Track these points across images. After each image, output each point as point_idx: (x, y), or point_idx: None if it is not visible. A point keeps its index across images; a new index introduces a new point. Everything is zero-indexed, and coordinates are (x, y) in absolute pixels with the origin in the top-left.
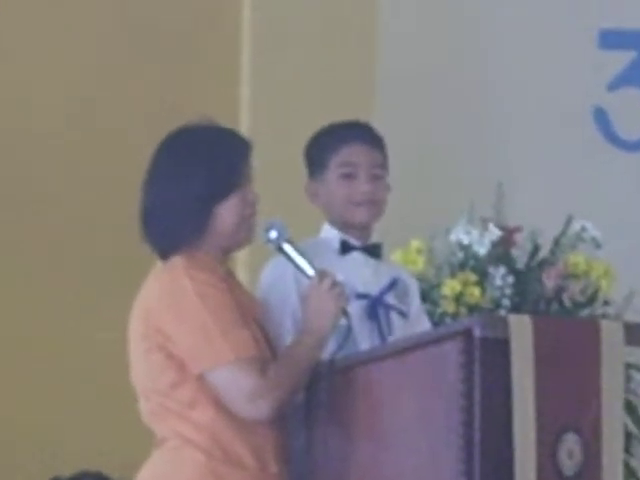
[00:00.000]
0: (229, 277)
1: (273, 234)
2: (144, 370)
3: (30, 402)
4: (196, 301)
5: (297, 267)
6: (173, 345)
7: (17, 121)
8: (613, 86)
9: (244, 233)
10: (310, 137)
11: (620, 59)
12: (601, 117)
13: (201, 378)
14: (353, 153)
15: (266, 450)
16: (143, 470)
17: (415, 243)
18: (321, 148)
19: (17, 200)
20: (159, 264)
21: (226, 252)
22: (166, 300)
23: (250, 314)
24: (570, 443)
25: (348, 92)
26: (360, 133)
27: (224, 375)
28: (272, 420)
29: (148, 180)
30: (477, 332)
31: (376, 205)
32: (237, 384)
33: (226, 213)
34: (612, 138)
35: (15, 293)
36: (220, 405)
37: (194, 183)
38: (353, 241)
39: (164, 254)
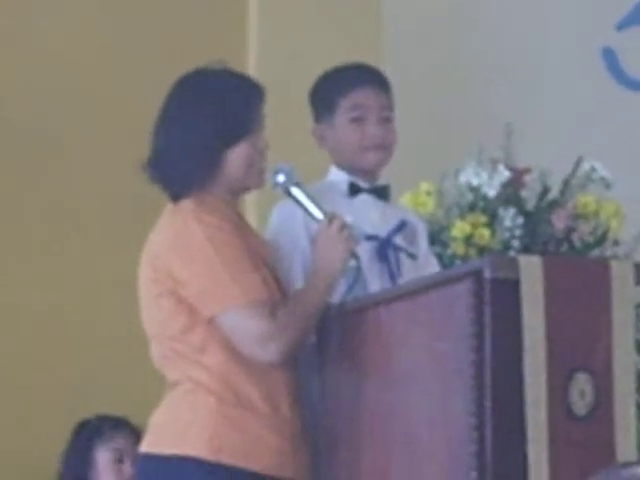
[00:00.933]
0: (239, 220)
1: (281, 178)
2: (155, 315)
3: (56, 347)
4: (205, 245)
5: (306, 210)
6: (183, 289)
7: (23, 79)
8: (621, 26)
9: (253, 178)
10: (316, 79)
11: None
12: (610, 57)
13: (211, 322)
14: (363, 96)
15: (278, 393)
16: (156, 414)
17: (424, 185)
18: (329, 91)
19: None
20: (169, 206)
21: (235, 195)
22: (175, 244)
23: (260, 257)
24: (581, 383)
25: (356, 33)
26: (369, 76)
27: (234, 318)
28: (283, 363)
29: (160, 122)
30: (487, 273)
31: (386, 149)
32: (247, 327)
33: (236, 158)
34: (621, 78)
35: (27, 241)
36: (231, 349)
37: (205, 127)
38: (361, 183)
39: (175, 196)
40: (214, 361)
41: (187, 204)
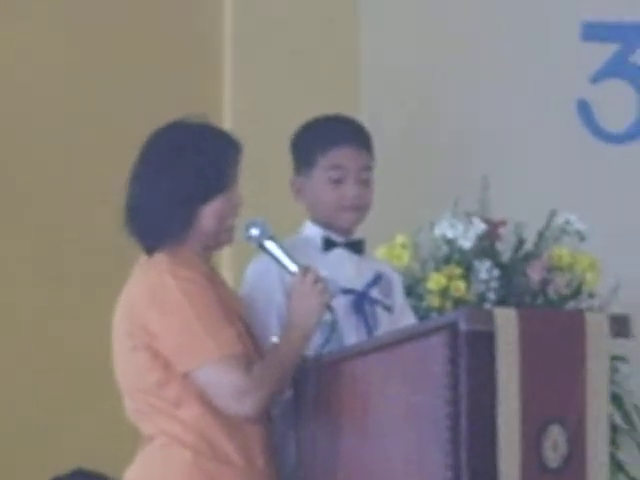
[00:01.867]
0: (212, 274)
1: (255, 231)
2: (129, 368)
3: (30, 401)
4: (180, 299)
5: (279, 264)
6: (158, 343)
7: (13, 113)
8: (596, 78)
9: (226, 234)
10: (298, 130)
11: (603, 51)
12: (585, 109)
13: (187, 376)
14: (342, 156)
15: (253, 446)
16: (131, 469)
17: (400, 238)
18: (309, 146)
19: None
20: (143, 259)
21: (208, 249)
22: (150, 298)
23: (234, 311)
24: (555, 435)
25: (332, 83)
26: (350, 134)
27: (210, 373)
28: (258, 416)
29: (135, 174)
30: (463, 326)
31: (362, 210)
32: (223, 382)
33: (211, 214)
34: (596, 130)
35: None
36: (206, 402)
37: (181, 182)
38: (335, 238)
39: (149, 249)
40: (190, 415)
41: (161, 258)
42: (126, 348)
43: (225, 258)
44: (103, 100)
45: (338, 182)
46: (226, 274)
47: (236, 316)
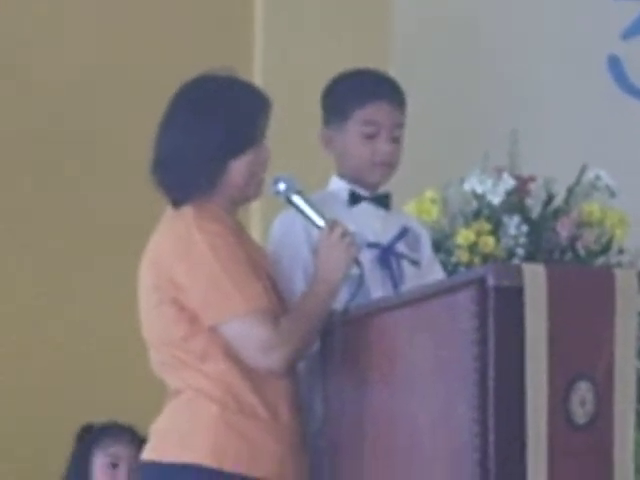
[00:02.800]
0: (239, 228)
1: (282, 186)
2: (156, 322)
3: (62, 353)
4: (207, 253)
5: (307, 218)
6: (185, 297)
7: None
8: (627, 35)
9: (254, 188)
10: (332, 82)
11: (634, 8)
12: (615, 66)
13: (213, 330)
14: (378, 112)
15: (278, 400)
16: (157, 421)
17: (429, 193)
18: (344, 98)
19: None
20: (169, 212)
21: (235, 204)
22: (177, 252)
23: (260, 266)
24: (582, 391)
25: (363, 35)
26: (387, 90)
27: (237, 327)
28: (286, 371)
29: (164, 127)
30: (491, 281)
31: (392, 167)
32: (250, 336)
33: (240, 168)
34: (626, 87)
35: (27, 244)
36: (232, 356)
37: (212, 136)
38: (362, 192)
39: (176, 202)
40: (215, 369)
41: (189, 211)
42: (152, 301)
43: (253, 213)
44: (133, 51)
45: (371, 137)
46: (254, 229)
47: (263, 271)
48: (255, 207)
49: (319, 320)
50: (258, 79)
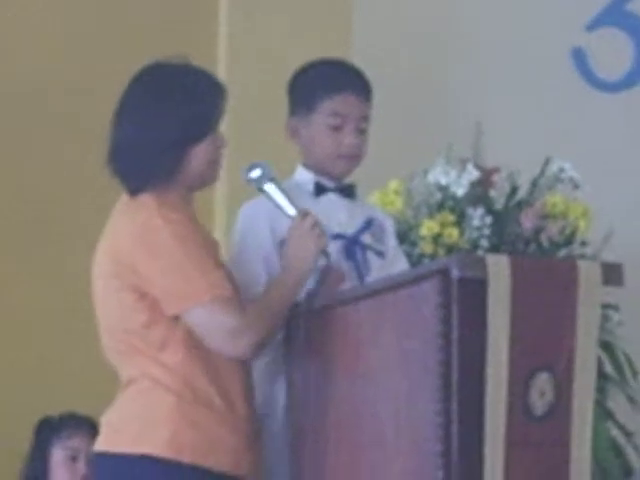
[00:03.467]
0: (194, 217)
1: (256, 173)
2: (114, 309)
3: (20, 342)
4: (171, 241)
5: (278, 206)
6: (149, 285)
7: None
8: (592, 26)
9: (212, 175)
10: (298, 71)
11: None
12: (580, 57)
13: (175, 319)
14: (344, 103)
15: (233, 391)
16: (111, 411)
17: (393, 184)
18: (310, 89)
19: None
20: (124, 199)
21: (191, 191)
22: (140, 240)
23: (216, 254)
24: (542, 382)
25: (327, 28)
26: (354, 82)
27: (204, 314)
28: (252, 357)
29: (121, 114)
30: (455, 272)
31: (357, 159)
32: (217, 323)
33: (199, 155)
34: (591, 79)
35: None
36: (190, 346)
37: (171, 124)
38: (327, 183)
39: (134, 191)
40: (173, 359)
41: (150, 199)
42: (111, 288)
43: (217, 202)
44: (98, 39)
45: (337, 129)
46: (218, 218)
47: (218, 259)
48: (219, 196)
49: (285, 309)
50: (222, 68)
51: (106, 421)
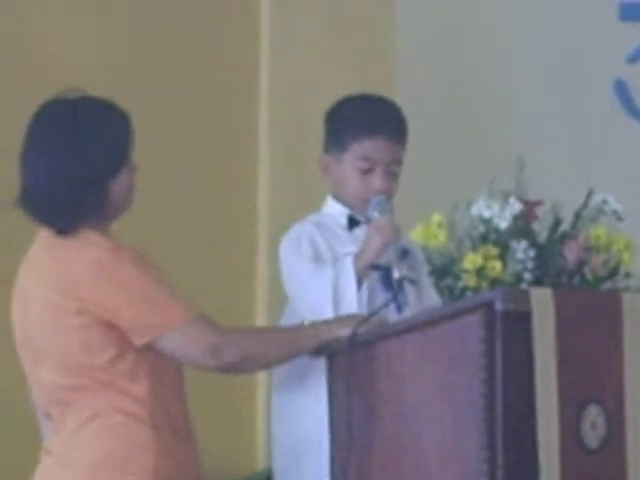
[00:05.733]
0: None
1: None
2: (76, 345)
3: None
4: (133, 272)
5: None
6: (117, 318)
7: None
8: (633, 58)
9: (129, 201)
10: (333, 107)
11: None
12: (622, 89)
13: (143, 350)
14: (375, 148)
15: (189, 417)
16: (85, 450)
17: (436, 217)
18: (343, 129)
19: None
20: (48, 236)
21: (112, 221)
22: (100, 275)
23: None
24: (593, 415)
25: (369, 61)
26: (387, 125)
27: (181, 336)
28: (238, 367)
29: (29, 156)
30: (499, 305)
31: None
32: (197, 341)
33: (120, 187)
34: (633, 110)
35: None
36: (158, 376)
37: (88, 164)
38: (359, 216)
39: (63, 231)
40: (143, 390)
41: (94, 236)
42: (69, 326)
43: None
44: (136, 61)
45: (366, 172)
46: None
47: None
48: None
49: (285, 349)
50: (264, 99)
51: (73, 459)
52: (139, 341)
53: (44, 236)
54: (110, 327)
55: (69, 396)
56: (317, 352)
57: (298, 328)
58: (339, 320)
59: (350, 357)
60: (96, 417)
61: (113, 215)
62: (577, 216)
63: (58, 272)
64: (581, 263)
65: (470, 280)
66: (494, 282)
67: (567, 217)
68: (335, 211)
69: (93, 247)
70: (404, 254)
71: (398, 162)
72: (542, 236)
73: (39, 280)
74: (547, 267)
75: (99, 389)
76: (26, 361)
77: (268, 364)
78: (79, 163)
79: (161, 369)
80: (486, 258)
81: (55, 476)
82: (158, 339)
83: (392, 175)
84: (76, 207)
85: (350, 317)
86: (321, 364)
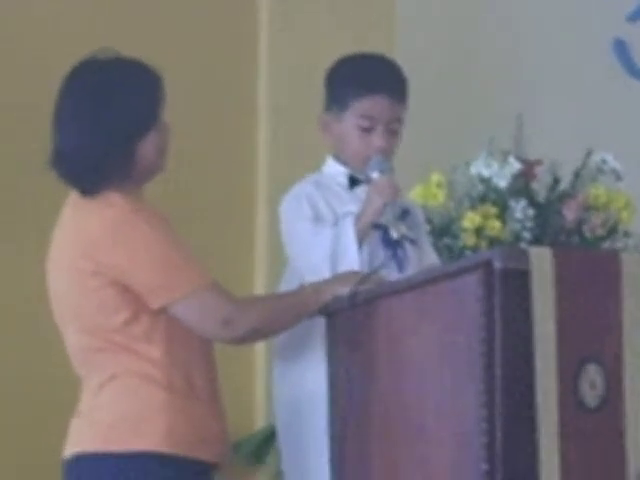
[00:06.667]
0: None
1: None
2: (93, 307)
3: None
4: (151, 235)
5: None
6: (132, 280)
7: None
8: (633, 17)
9: (161, 164)
10: (334, 66)
11: None
12: (621, 48)
13: (158, 312)
14: (376, 106)
15: (214, 381)
16: (98, 409)
17: (435, 177)
18: (343, 87)
19: None
20: (77, 197)
21: (143, 183)
22: (117, 236)
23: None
24: (592, 374)
25: (369, 23)
26: (387, 83)
27: (194, 303)
28: (248, 340)
29: (60, 117)
30: (497, 264)
31: (386, 158)
32: (209, 309)
33: (147, 148)
34: (632, 69)
35: None
36: (173, 339)
37: (115, 122)
38: (359, 175)
39: (89, 191)
40: (158, 352)
41: (114, 196)
42: (89, 288)
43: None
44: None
45: (367, 130)
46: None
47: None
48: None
49: (291, 311)
50: (264, 58)
51: (94, 420)
52: (154, 304)
53: (72, 198)
54: (125, 289)
55: (91, 358)
56: (318, 311)
57: (300, 292)
58: (339, 278)
59: (349, 316)
60: (113, 379)
61: (142, 178)
62: (576, 175)
63: (78, 233)
64: (580, 222)
65: (469, 239)
66: (493, 241)
67: (566, 176)
68: (335, 171)
69: (112, 208)
70: (404, 214)
71: (399, 120)
72: (541, 195)
73: (64, 242)
74: (546, 226)
75: (117, 351)
76: (60, 324)
77: (275, 333)
78: (105, 123)
79: (179, 332)
80: (485, 217)
81: (79, 436)
82: (173, 303)
83: (392, 133)
84: (100, 167)
85: (349, 274)
86: (320, 325)
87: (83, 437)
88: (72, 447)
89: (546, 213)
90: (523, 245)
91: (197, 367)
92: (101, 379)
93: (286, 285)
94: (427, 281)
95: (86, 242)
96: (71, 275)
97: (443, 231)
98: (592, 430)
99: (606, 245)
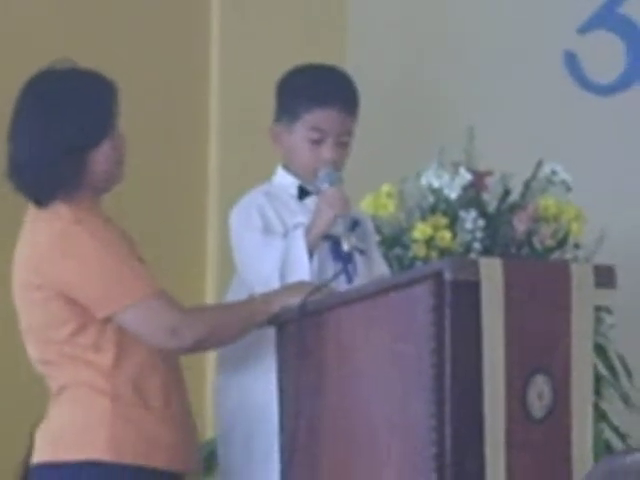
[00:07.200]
0: (108, 218)
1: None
2: (40, 320)
3: None
4: (94, 244)
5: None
6: (77, 291)
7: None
8: (583, 29)
9: (117, 175)
10: (285, 76)
11: (590, 2)
12: (571, 61)
13: (105, 322)
14: (326, 119)
15: (169, 388)
16: (47, 421)
17: (385, 187)
18: (293, 99)
19: None
20: (34, 210)
21: (99, 194)
22: (61, 248)
23: (138, 252)
24: (540, 385)
25: (320, 32)
26: (338, 96)
27: (139, 312)
28: (196, 349)
29: (15, 127)
30: (448, 275)
31: (335, 170)
32: (154, 318)
33: (100, 159)
34: (583, 82)
35: None
36: (122, 347)
37: (67, 131)
38: (309, 186)
39: (41, 202)
40: (106, 361)
41: (62, 207)
42: (34, 301)
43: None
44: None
45: (316, 142)
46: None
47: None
48: (212, 199)
49: (240, 319)
50: (215, 69)
51: (44, 432)
52: (99, 314)
53: (30, 210)
54: (70, 301)
55: (47, 370)
56: (267, 322)
57: (250, 302)
58: (288, 288)
59: (299, 326)
60: (64, 390)
61: (97, 188)
62: (526, 186)
63: (27, 246)
64: (530, 233)
65: (419, 250)
66: (443, 252)
67: (516, 187)
68: (285, 181)
69: (59, 220)
70: (354, 224)
71: (349, 133)
72: (491, 206)
73: (22, 255)
74: (496, 237)
75: (67, 362)
76: (23, 338)
77: (223, 343)
78: (56, 133)
79: (129, 340)
80: (435, 228)
81: (36, 447)
82: (118, 313)
83: (342, 146)
84: (51, 177)
85: (299, 285)
86: (270, 334)
87: (38, 448)
88: (34, 458)
89: (496, 224)
90: (473, 256)
91: (150, 374)
92: (54, 390)
93: (233, 295)
94: (377, 292)
95: (36, 255)
96: (22, 289)
97: (393, 242)
98: (539, 440)
99: (556, 256)
